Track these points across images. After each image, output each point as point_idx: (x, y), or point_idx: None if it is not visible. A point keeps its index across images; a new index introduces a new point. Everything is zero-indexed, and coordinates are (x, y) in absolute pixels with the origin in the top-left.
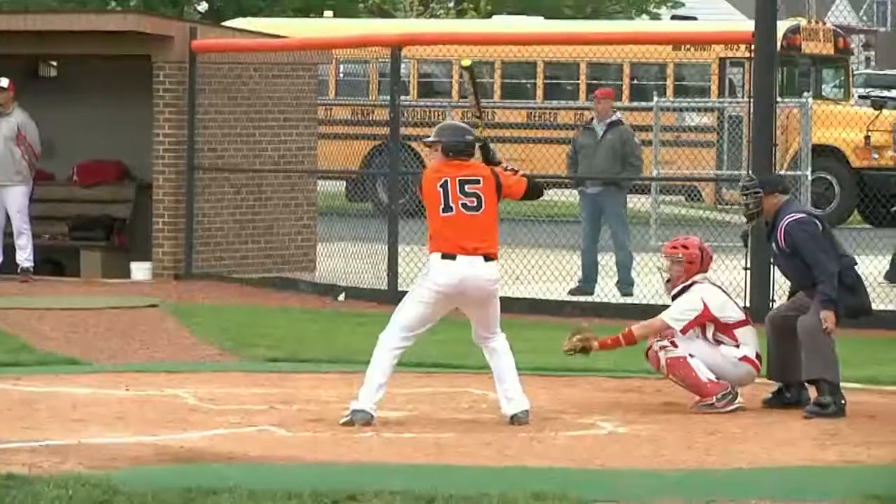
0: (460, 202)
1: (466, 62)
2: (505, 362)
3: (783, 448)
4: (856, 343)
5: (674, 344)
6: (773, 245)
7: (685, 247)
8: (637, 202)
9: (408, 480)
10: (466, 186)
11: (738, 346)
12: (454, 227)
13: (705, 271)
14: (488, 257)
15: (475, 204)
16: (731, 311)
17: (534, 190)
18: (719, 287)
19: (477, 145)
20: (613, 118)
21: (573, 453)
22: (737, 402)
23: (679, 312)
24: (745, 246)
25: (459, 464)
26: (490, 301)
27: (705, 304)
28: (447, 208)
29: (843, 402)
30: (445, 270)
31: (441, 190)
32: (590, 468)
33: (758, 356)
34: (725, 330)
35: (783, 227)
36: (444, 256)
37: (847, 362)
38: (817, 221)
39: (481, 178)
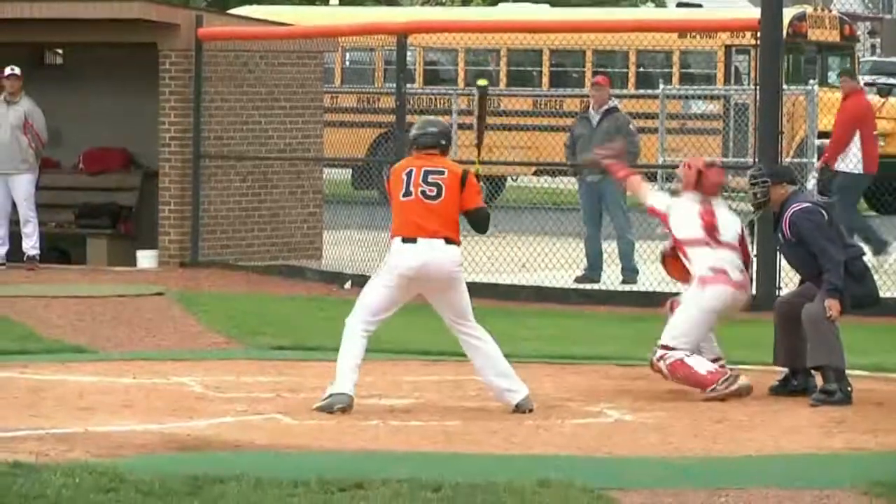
0: (420, 189)
1: (482, 82)
2: (494, 352)
3: (790, 436)
4: (862, 330)
5: (667, 347)
6: (779, 235)
7: (688, 166)
8: None
9: (415, 468)
10: (430, 176)
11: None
12: (413, 211)
13: (706, 193)
14: (449, 240)
15: (434, 193)
16: (688, 230)
17: (481, 217)
18: (708, 210)
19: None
20: (609, 105)
21: (580, 441)
22: (739, 381)
23: (654, 194)
24: (752, 234)
25: (466, 451)
26: (453, 286)
27: (668, 213)
28: (407, 193)
29: (849, 389)
30: (406, 255)
31: (405, 177)
32: (596, 456)
33: (722, 270)
34: (678, 245)
35: (789, 217)
36: (404, 240)
37: (853, 350)
38: (823, 211)
39: (446, 170)
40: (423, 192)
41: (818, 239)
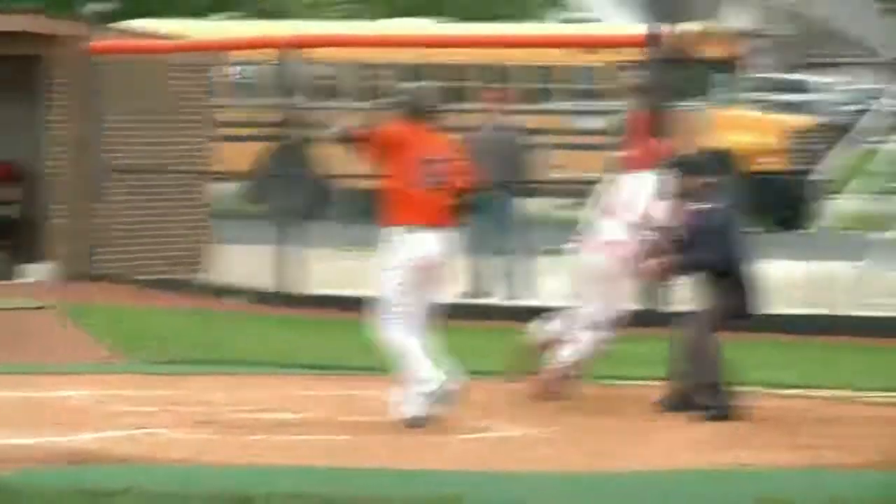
0: (428, 179)
1: None
2: (416, 364)
3: (679, 451)
4: (751, 346)
5: None
6: (677, 228)
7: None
8: (531, 205)
9: (302, 483)
10: (437, 165)
11: None
12: (423, 202)
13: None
14: (451, 229)
15: (440, 182)
16: None
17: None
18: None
19: None
20: (502, 122)
21: (469, 456)
22: None
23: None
24: None
25: (355, 466)
26: (445, 274)
27: None
28: (417, 183)
29: (739, 405)
30: (421, 242)
31: (419, 164)
32: (485, 471)
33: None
34: None
35: (688, 212)
36: (416, 229)
37: (743, 365)
38: (724, 215)
39: (448, 159)
40: (431, 182)
41: (704, 237)
